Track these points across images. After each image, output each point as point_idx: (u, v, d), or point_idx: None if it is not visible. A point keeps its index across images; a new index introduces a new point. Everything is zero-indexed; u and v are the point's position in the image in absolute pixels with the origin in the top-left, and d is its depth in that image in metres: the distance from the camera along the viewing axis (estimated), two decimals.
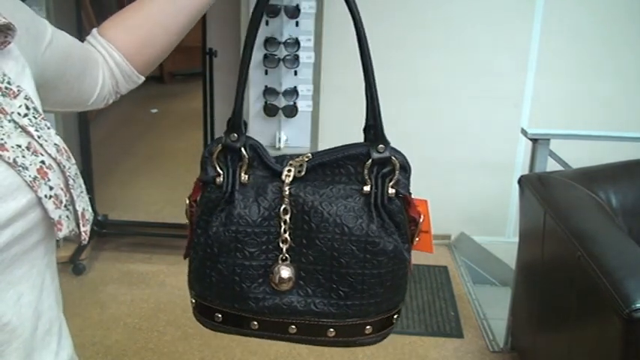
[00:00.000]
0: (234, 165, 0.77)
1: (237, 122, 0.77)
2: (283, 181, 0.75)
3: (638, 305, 1.39)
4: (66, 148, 0.66)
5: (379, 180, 0.76)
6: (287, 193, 0.74)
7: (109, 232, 3.12)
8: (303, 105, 2.84)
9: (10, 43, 0.64)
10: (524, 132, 2.30)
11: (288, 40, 2.74)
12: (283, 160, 0.78)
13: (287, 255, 0.75)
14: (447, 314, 2.65)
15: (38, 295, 0.64)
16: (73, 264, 2.85)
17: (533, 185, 2.05)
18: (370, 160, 0.76)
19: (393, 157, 0.76)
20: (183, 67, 5.39)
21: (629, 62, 3.05)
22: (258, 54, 2.74)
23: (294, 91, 2.82)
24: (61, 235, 0.62)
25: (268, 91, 2.81)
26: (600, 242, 1.66)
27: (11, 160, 0.58)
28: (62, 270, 2.83)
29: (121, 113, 4.94)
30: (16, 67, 0.65)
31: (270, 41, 2.73)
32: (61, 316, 0.70)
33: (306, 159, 0.77)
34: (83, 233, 0.65)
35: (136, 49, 0.85)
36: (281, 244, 0.75)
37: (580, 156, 2.37)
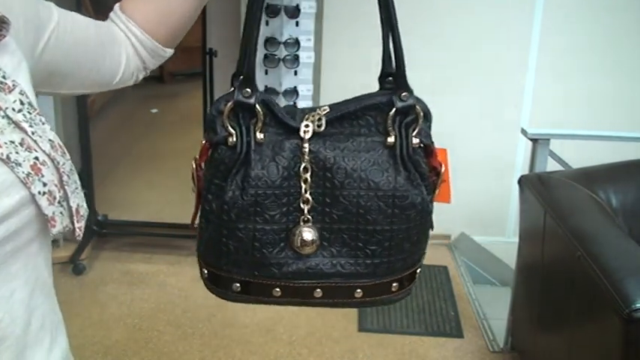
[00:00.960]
0: (246, 123, 0.71)
1: (250, 76, 0.71)
2: (302, 138, 0.70)
3: (638, 305, 1.39)
4: (61, 144, 0.65)
5: (403, 130, 0.72)
6: (306, 150, 0.70)
7: (109, 232, 3.12)
8: (303, 105, 2.83)
9: (4, 37, 0.63)
10: (524, 132, 2.30)
11: (288, 40, 2.74)
12: (295, 114, 0.73)
13: (309, 216, 0.71)
14: (447, 314, 2.65)
15: (31, 291, 0.63)
16: (73, 264, 2.85)
17: (534, 185, 2.05)
18: (394, 110, 0.72)
19: (417, 106, 0.73)
20: (184, 67, 5.39)
21: (629, 62, 3.05)
22: (258, 54, 2.74)
23: (294, 91, 2.82)
24: (54, 231, 0.62)
25: (268, 91, 2.81)
26: (600, 242, 1.66)
27: (4, 157, 0.58)
28: (62, 270, 2.83)
29: (121, 113, 4.95)
30: (11, 62, 0.65)
31: (270, 41, 2.73)
32: (56, 310, 0.69)
33: (324, 112, 0.72)
34: (77, 229, 0.64)
35: (157, 20, 0.83)
36: (302, 205, 0.71)
37: (580, 156, 2.37)
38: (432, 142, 0.74)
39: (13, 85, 0.63)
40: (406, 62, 0.73)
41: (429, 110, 0.74)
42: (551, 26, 2.99)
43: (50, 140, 0.63)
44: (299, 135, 0.71)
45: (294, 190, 0.70)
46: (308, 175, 0.70)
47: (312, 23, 2.76)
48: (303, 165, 0.70)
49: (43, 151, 0.62)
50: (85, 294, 2.72)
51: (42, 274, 0.66)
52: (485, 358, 2.37)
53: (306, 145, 0.70)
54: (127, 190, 3.71)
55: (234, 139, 0.70)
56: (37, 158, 0.61)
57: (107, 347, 2.38)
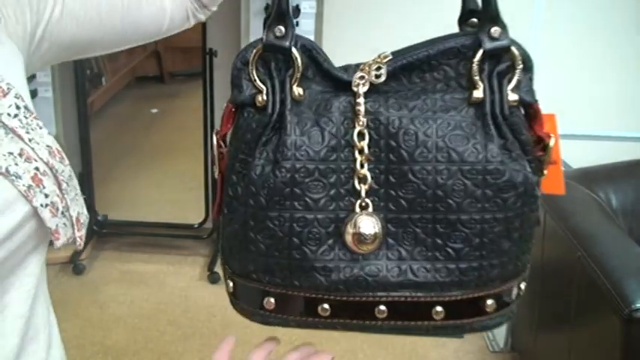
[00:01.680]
0: (281, 75, 0.55)
1: (284, 10, 0.54)
2: (355, 93, 0.54)
3: (638, 305, 1.39)
4: (59, 148, 0.62)
5: (494, 81, 0.54)
6: (362, 109, 0.53)
7: (109, 232, 3.12)
8: None
9: None
10: None
11: None
12: (347, 69, 0.57)
13: (367, 200, 0.54)
14: None
15: (31, 303, 0.61)
16: (73, 264, 2.84)
17: None
18: (481, 52, 0.54)
19: (514, 48, 0.55)
20: (183, 67, 5.38)
21: (629, 62, 3.05)
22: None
23: None
24: (59, 244, 0.59)
25: None
26: (600, 242, 1.66)
27: (4, 170, 0.55)
28: (62, 270, 2.83)
29: (121, 113, 4.95)
30: (3, 59, 0.61)
31: None
32: (51, 319, 0.67)
33: (385, 59, 0.55)
34: (78, 238, 0.61)
35: None
36: (358, 185, 0.54)
37: (580, 156, 2.37)
38: (536, 101, 0.56)
39: (8, 88, 0.59)
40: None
41: (529, 57, 0.57)
42: (552, 24, 2.99)
43: (48, 146, 0.60)
44: (352, 91, 0.54)
45: (345, 165, 0.54)
46: (365, 144, 0.53)
47: (312, 23, 2.76)
48: (357, 130, 0.53)
49: (42, 160, 0.58)
50: (85, 294, 2.72)
51: (40, 285, 0.63)
52: (486, 358, 2.37)
53: (362, 102, 0.53)
54: (127, 190, 3.71)
55: (265, 96, 0.54)
56: (37, 169, 0.58)
57: (107, 347, 2.38)
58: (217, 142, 0.58)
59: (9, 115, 0.58)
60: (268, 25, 0.54)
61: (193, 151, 3.03)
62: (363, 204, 0.54)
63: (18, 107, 0.59)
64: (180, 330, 2.47)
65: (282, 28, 0.54)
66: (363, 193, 0.54)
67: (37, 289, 0.63)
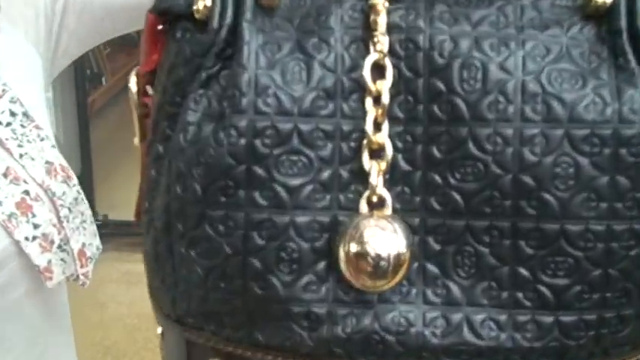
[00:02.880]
0: None
1: None
2: None
3: None
4: (64, 165, 0.50)
5: None
6: (383, 21, 0.32)
7: (109, 232, 3.11)
8: None
9: None
10: None
11: None
12: None
13: (384, 193, 0.32)
14: None
15: (33, 351, 0.52)
16: None
17: None
18: None
19: None
20: None
21: None
22: None
23: None
24: (50, 284, 0.50)
25: None
26: None
27: None
28: None
29: (120, 113, 4.94)
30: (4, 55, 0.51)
31: None
32: (70, 344, 0.57)
33: None
34: (82, 276, 0.51)
35: None
36: (369, 164, 0.32)
37: None
38: None
39: (3, 90, 0.49)
40: None
41: None
42: None
43: (48, 163, 0.48)
44: None
45: (349, 125, 0.32)
46: (386, 86, 0.31)
47: None
48: (372, 59, 0.31)
49: (35, 181, 0.47)
50: (85, 294, 2.71)
51: (46, 334, 0.54)
52: None
53: (383, 8, 0.32)
54: (127, 190, 3.68)
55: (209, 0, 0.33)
56: (27, 192, 0.48)
57: (107, 347, 2.37)
58: (138, 86, 0.37)
59: (0, 123, 0.47)
60: None
61: None
62: (377, 199, 0.31)
63: (13, 114, 0.48)
64: None
65: None
66: (377, 180, 0.31)
67: (48, 340, 0.53)
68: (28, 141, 0.50)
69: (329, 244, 0.32)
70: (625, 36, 0.32)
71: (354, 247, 0.31)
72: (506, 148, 0.31)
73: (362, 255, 0.31)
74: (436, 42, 0.32)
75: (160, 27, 0.36)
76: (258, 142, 0.31)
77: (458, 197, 0.32)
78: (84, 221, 0.53)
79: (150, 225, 0.36)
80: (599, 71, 0.32)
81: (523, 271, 0.32)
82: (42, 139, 0.51)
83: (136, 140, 0.39)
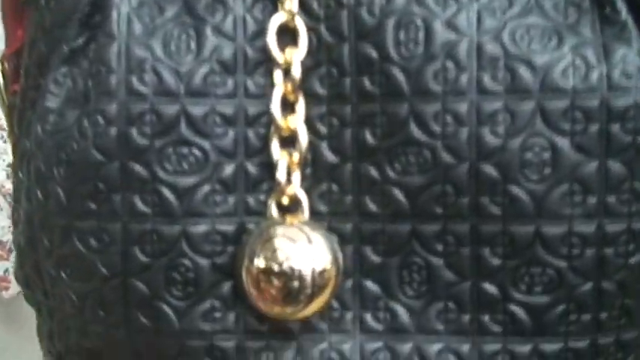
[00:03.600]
0: None
1: None
2: None
3: None
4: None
5: None
6: None
7: None
8: None
9: None
10: None
11: None
12: None
13: (299, 193, 0.25)
14: None
15: None
16: None
17: None
18: None
19: None
20: None
21: None
22: None
23: None
24: (7, 295, 0.42)
25: None
26: None
27: None
28: None
29: None
30: None
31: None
32: None
33: None
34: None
35: None
36: (278, 155, 0.25)
37: None
38: None
39: None
40: None
41: None
42: None
43: (10, 166, 0.40)
44: None
45: (255, 107, 0.25)
46: (298, 54, 0.25)
47: None
48: (280, 18, 0.25)
49: None
50: None
51: (7, 342, 0.46)
52: None
53: None
54: None
55: None
56: None
57: None
58: (3, 71, 0.31)
59: None
60: None
61: None
62: (289, 201, 0.25)
63: None
64: None
65: None
66: (285, 176, 0.25)
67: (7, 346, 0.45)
68: None
69: (235, 260, 0.25)
70: None
71: (258, 263, 0.24)
72: (459, 130, 0.24)
73: (267, 272, 0.24)
74: None
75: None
76: (133, 132, 0.25)
77: (400, 195, 0.25)
78: None
79: (15, 242, 0.29)
80: (580, 26, 0.24)
81: (489, 287, 0.25)
82: (5, 141, 0.47)
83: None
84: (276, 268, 0.24)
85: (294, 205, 0.25)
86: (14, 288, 0.49)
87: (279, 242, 0.24)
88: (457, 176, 0.24)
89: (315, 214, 0.25)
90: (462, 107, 0.24)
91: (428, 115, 0.24)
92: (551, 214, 0.24)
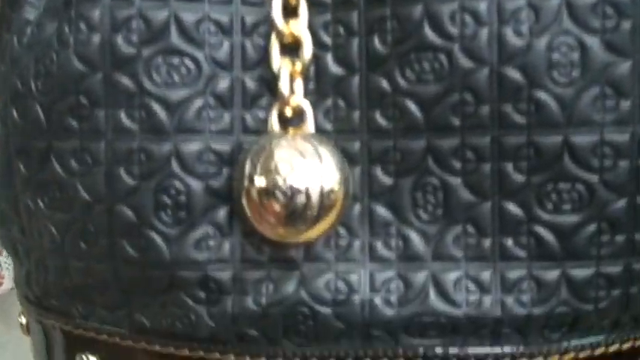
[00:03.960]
0: None
1: None
2: None
3: None
4: None
5: None
6: None
7: None
8: None
9: None
10: None
11: None
12: None
13: (303, 102, 0.22)
14: None
15: None
16: None
17: None
18: None
19: None
20: None
21: None
22: None
23: None
24: (1, 290, 0.45)
25: None
26: None
27: None
28: None
29: None
30: None
31: None
32: None
33: None
34: None
35: None
36: (278, 61, 0.22)
37: None
38: None
39: None
40: None
41: None
42: None
43: None
44: None
45: (253, 15, 0.23)
46: None
47: None
48: None
49: None
50: None
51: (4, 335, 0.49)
52: None
53: None
54: None
55: None
56: None
57: None
58: None
59: None
60: None
61: None
62: (292, 112, 0.23)
63: None
64: None
65: None
66: (288, 85, 0.22)
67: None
68: None
69: (231, 182, 0.22)
70: None
71: (259, 181, 0.21)
72: (478, 30, 0.21)
73: (269, 190, 0.21)
74: None
75: None
76: (119, 39, 0.22)
77: (413, 107, 0.22)
78: None
79: None
80: None
81: (512, 207, 0.22)
82: None
83: None
84: (280, 181, 0.21)
85: (298, 119, 0.22)
86: (8, 283, 0.47)
87: (282, 154, 0.21)
88: (477, 82, 0.21)
89: (319, 133, 0.23)
90: (482, 5, 0.21)
91: (444, 16, 0.21)
92: (581, 121, 0.21)
